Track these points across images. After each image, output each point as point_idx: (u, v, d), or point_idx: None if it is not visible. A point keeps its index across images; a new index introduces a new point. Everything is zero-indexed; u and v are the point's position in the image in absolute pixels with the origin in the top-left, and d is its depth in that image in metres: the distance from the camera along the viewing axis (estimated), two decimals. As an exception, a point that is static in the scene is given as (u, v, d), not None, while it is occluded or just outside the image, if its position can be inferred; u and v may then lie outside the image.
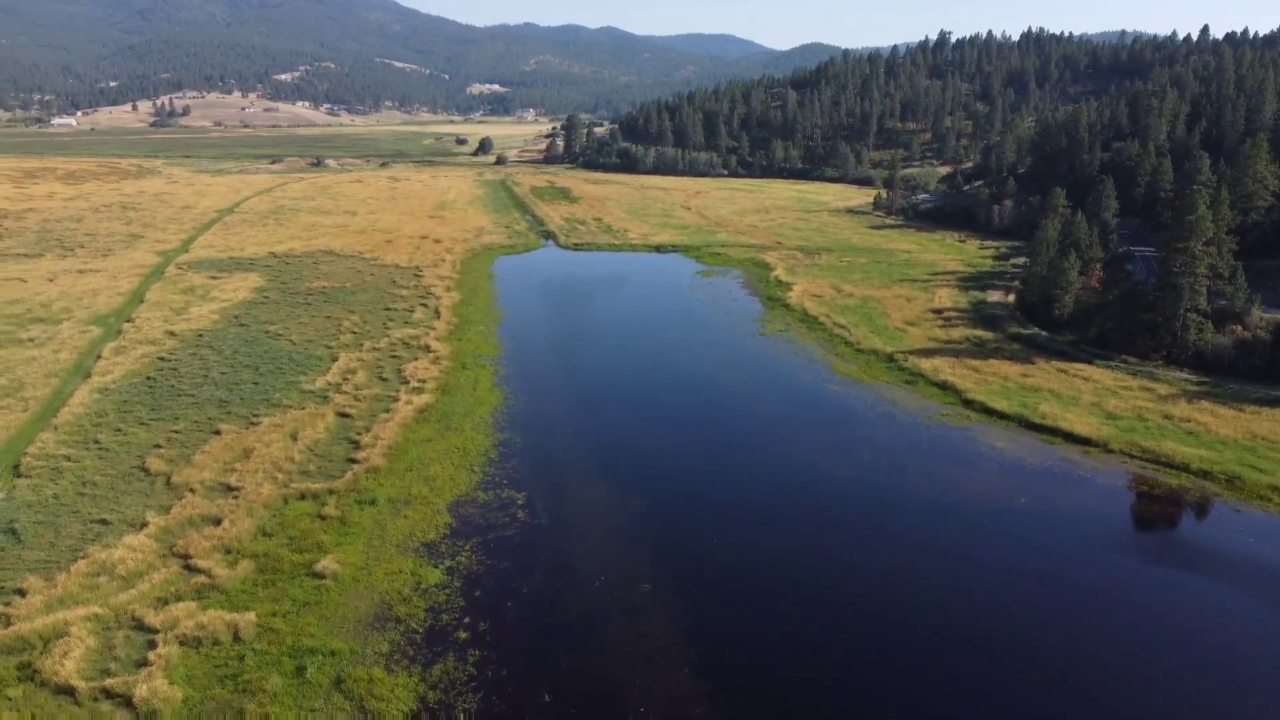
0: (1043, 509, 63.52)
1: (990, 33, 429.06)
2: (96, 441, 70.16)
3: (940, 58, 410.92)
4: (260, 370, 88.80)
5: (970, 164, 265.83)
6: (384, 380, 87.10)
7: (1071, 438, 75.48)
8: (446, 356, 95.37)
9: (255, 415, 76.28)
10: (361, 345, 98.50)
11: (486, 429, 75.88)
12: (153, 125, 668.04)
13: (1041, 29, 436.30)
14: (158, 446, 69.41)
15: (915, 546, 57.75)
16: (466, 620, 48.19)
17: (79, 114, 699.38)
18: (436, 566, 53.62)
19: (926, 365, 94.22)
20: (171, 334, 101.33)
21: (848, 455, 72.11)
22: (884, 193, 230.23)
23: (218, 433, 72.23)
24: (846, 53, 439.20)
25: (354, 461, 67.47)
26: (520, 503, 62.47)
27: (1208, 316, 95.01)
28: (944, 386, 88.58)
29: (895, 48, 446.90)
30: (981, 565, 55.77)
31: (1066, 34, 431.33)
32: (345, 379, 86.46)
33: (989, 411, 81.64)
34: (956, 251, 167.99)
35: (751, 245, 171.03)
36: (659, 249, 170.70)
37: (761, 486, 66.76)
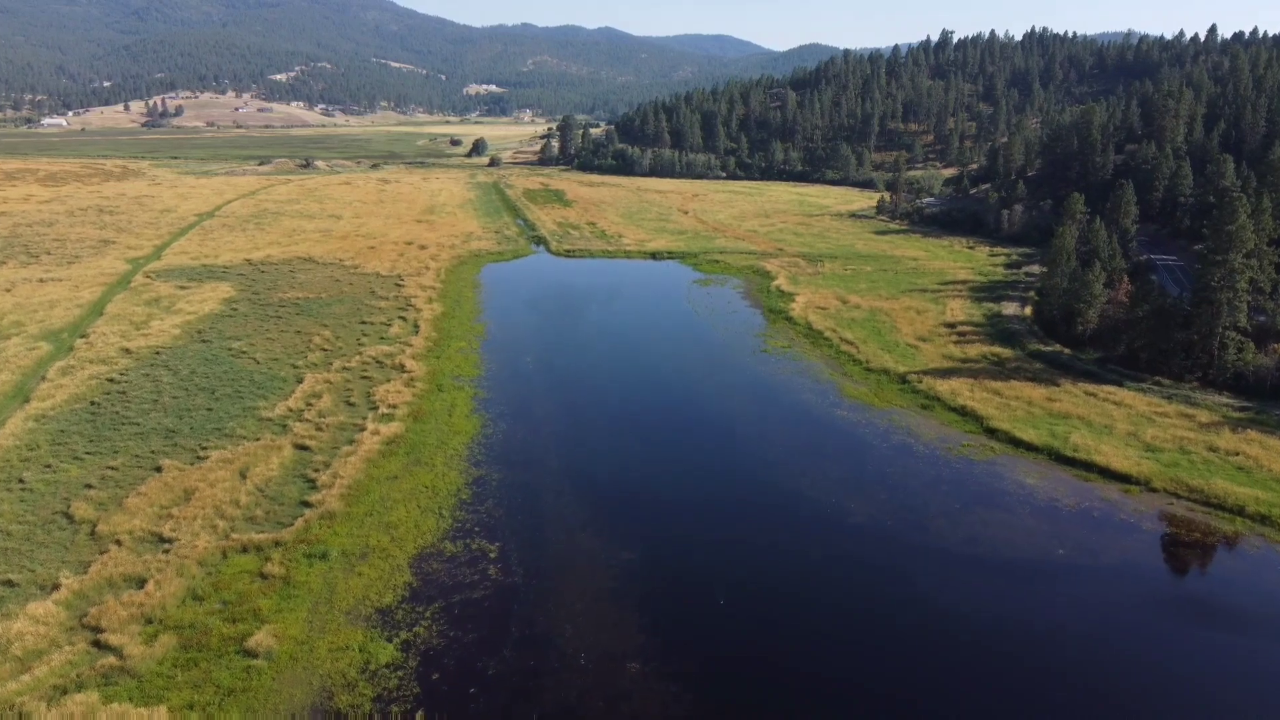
0: (1085, 562, 56.10)
1: (993, 32, 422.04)
2: (21, 481, 62.55)
3: (942, 58, 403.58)
4: (216, 394, 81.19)
5: (975, 166, 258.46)
6: (351, 405, 79.49)
7: (1108, 473, 68.11)
8: (422, 377, 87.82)
9: (204, 448, 68.68)
10: (331, 364, 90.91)
11: (460, 464, 68.32)
12: (145, 125, 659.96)
13: (1045, 28, 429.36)
14: (89, 487, 61.80)
15: (944, 610, 50.20)
16: (420, 714, 40.64)
17: (70, 114, 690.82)
18: (390, 640, 46.07)
19: (943, 387, 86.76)
20: (127, 351, 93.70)
21: (863, 495, 64.58)
22: (888, 196, 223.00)
23: (159, 469, 64.65)
24: (847, 53, 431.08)
25: (307, 505, 59.89)
26: (493, 555, 54.97)
27: (1248, 335, 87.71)
28: (963, 412, 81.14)
29: (896, 47, 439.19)
30: (1022, 634, 48.25)
31: (1070, 34, 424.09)
32: (309, 404, 78.85)
33: (1015, 442, 74.15)
34: (966, 258, 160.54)
35: (751, 252, 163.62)
36: (655, 256, 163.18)
37: (770, 536, 59.10)
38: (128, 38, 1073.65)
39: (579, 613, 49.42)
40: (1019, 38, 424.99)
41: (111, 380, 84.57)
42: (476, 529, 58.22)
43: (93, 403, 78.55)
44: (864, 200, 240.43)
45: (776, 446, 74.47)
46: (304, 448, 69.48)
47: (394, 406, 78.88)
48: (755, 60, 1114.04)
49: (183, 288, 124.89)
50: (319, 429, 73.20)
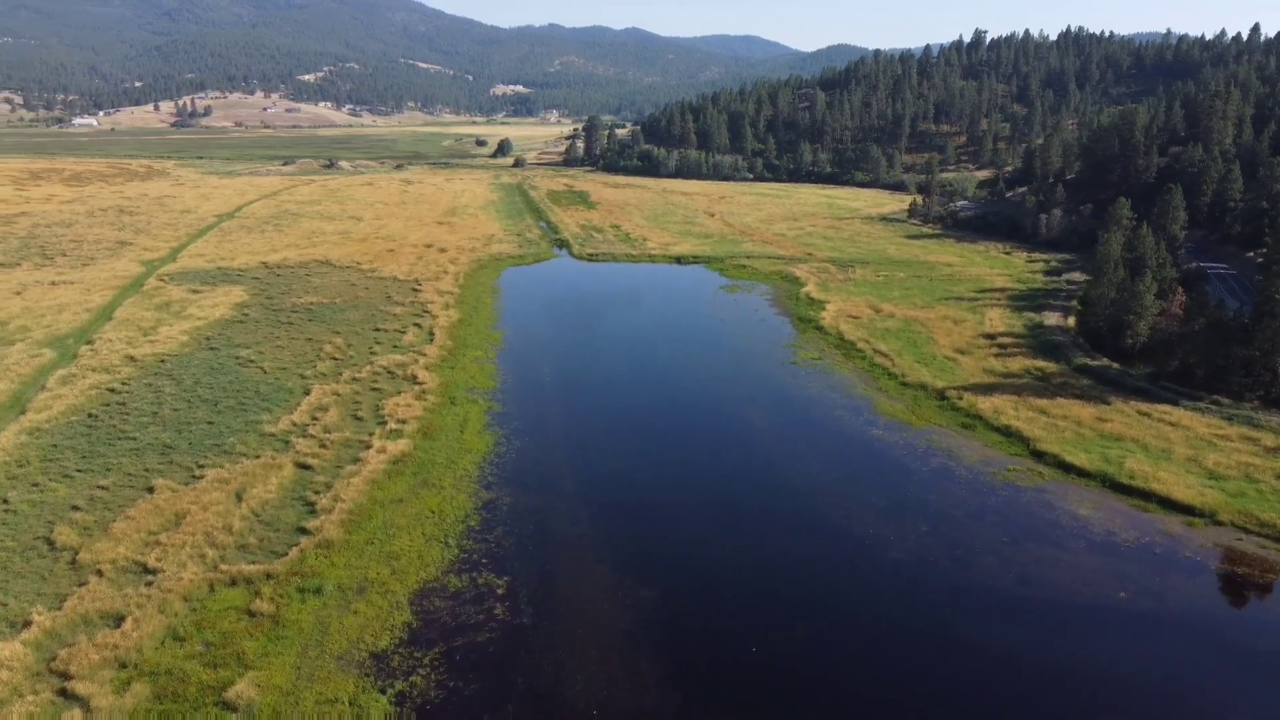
0: (1150, 606, 50.92)
1: (1027, 32, 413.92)
2: (4, 501, 59.07)
3: (975, 58, 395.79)
4: (219, 406, 77.59)
5: (1011, 168, 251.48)
6: (358, 420, 75.61)
7: (1169, 503, 62.74)
8: (434, 389, 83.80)
9: (200, 466, 65.00)
10: (340, 375, 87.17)
11: (470, 486, 64.15)
12: (174, 125, 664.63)
13: (1081, 28, 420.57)
14: (75, 508, 58.19)
15: (996, 664, 45.37)
16: (411, 783, 36.52)
17: (101, 114, 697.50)
18: (384, 691, 41.90)
19: (985, 405, 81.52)
20: (131, 359, 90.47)
21: (900, 526, 59.69)
22: (920, 199, 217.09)
23: (150, 490, 60.96)
24: (877, 53, 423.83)
25: (304, 532, 55.92)
26: (500, 592, 50.69)
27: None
28: (1007, 433, 75.90)
29: (928, 47, 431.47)
30: (1087, 688, 43.19)
31: (1107, 33, 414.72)
32: (314, 418, 75.01)
33: (1064, 466, 68.85)
34: (1003, 265, 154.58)
35: (780, 257, 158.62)
36: (680, 260, 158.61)
37: (804, 573, 54.42)
38: (159, 38, 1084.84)
39: (592, 660, 45.01)
40: (1054, 37, 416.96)
41: (112, 390, 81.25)
42: (484, 561, 53.99)
43: (90, 415, 75.18)
44: (895, 203, 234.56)
45: (807, 469, 69.65)
46: (305, 467, 65.60)
47: (403, 421, 74.89)
48: (783, 61, 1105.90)
49: (195, 291, 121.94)
50: (323, 446, 69.33)
